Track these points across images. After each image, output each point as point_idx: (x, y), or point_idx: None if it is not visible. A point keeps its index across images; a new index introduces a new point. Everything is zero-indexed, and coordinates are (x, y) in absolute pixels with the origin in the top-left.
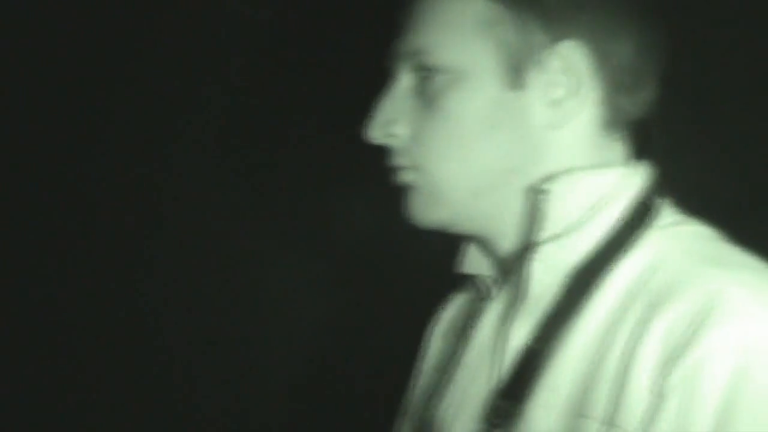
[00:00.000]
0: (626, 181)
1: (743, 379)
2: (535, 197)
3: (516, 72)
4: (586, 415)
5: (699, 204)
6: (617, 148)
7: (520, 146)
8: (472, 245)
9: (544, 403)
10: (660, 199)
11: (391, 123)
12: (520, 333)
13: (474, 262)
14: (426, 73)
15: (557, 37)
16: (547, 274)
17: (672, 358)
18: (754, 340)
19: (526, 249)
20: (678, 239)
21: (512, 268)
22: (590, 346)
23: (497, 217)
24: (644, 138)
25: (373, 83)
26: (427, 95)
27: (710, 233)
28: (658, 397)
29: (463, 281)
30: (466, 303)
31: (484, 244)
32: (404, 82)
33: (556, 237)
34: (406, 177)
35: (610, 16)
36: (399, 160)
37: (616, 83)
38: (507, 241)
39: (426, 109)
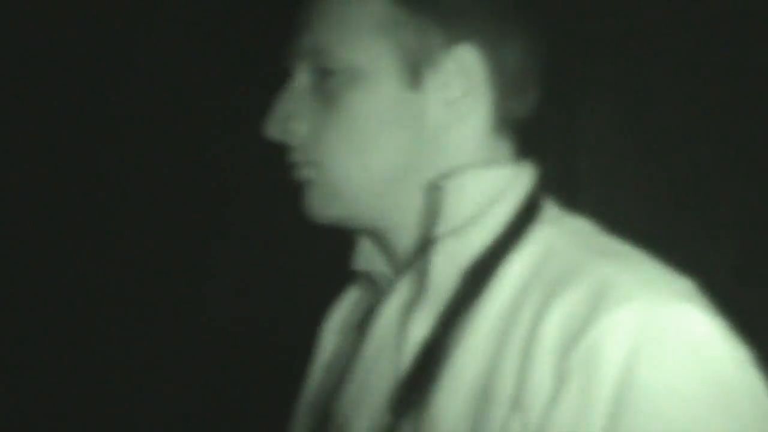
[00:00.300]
0: (517, 178)
1: (638, 358)
2: (432, 193)
3: (413, 72)
4: (491, 400)
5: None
6: (507, 146)
7: (417, 144)
8: (367, 241)
9: (449, 391)
10: (545, 195)
11: (289, 120)
12: (422, 325)
13: (369, 258)
14: (325, 71)
15: (453, 39)
16: (447, 267)
17: (570, 342)
18: (645, 321)
19: (425, 243)
20: (565, 232)
21: (410, 262)
22: (491, 334)
23: (394, 212)
24: (531, 137)
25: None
26: (325, 93)
27: (591, 226)
28: (559, 379)
29: (355, 278)
30: (360, 299)
31: (380, 239)
32: (303, 79)
33: (454, 231)
34: (303, 173)
35: (503, 21)
36: (296, 157)
37: (507, 85)
38: (404, 236)
39: (324, 107)
